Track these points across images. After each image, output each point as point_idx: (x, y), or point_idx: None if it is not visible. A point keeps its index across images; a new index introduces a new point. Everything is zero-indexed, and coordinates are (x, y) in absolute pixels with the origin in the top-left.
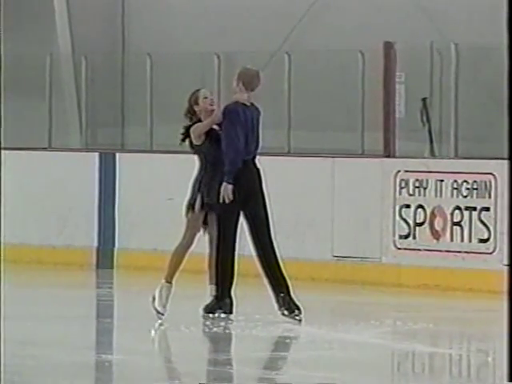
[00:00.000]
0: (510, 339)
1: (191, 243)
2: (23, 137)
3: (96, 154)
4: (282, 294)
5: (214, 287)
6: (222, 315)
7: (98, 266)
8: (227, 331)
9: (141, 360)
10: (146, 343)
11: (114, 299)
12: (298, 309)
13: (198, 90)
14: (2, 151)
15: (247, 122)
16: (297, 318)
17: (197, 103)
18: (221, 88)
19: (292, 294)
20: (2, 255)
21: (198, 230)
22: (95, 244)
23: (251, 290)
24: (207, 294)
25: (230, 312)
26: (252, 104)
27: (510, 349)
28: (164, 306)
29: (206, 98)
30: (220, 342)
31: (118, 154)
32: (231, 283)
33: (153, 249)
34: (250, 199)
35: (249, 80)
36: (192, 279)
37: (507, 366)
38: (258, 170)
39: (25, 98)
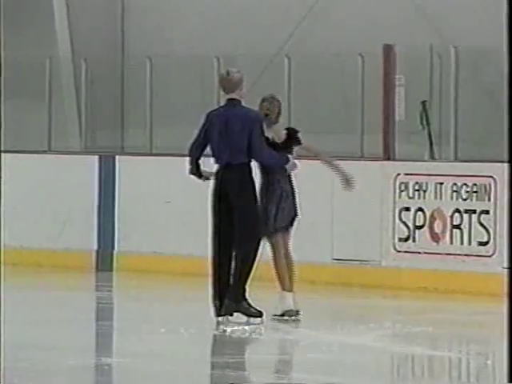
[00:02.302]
0: (510, 340)
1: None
2: (23, 140)
3: (96, 157)
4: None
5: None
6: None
7: (97, 269)
8: (227, 334)
9: (140, 363)
10: (145, 346)
11: (114, 302)
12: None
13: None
14: (2, 154)
15: (217, 126)
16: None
17: None
18: (220, 91)
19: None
20: (1, 258)
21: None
22: (95, 247)
23: (251, 293)
24: (206, 297)
25: (218, 315)
26: (242, 107)
27: (510, 349)
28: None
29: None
30: (219, 345)
31: (117, 157)
32: (218, 286)
33: (152, 252)
34: (232, 207)
35: (222, 84)
36: (193, 282)
37: (507, 367)
38: (236, 176)
39: (25, 101)
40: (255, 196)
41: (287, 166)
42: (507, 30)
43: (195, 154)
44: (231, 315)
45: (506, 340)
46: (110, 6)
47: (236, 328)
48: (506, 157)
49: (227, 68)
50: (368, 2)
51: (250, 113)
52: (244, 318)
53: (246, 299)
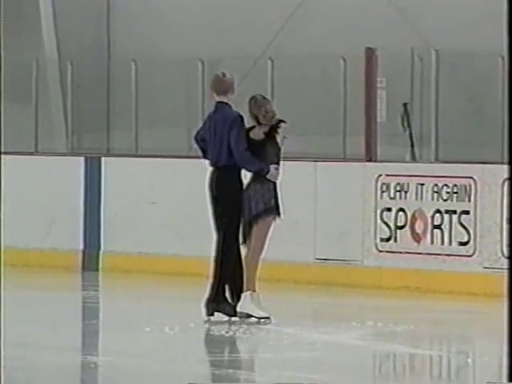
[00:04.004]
0: (510, 340)
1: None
2: (9, 141)
3: (82, 159)
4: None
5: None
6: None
7: (83, 269)
8: (210, 333)
9: (125, 361)
10: (130, 345)
11: (100, 301)
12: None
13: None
14: None
15: (207, 128)
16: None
17: None
18: (205, 93)
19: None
20: (1, 258)
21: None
22: (81, 247)
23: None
24: (191, 296)
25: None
26: (225, 110)
27: (509, 349)
28: (264, 311)
29: None
30: (203, 344)
31: (103, 159)
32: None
33: (138, 252)
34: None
35: (215, 85)
36: (178, 282)
37: (507, 366)
38: (218, 179)
39: (11, 102)
40: (235, 200)
41: (268, 176)
42: (507, 31)
43: (199, 143)
44: (212, 315)
45: (507, 340)
46: (96, 9)
47: (219, 327)
48: (485, 158)
49: (221, 71)
50: (350, 6)
51: (230, 115)
52: (226, 318)
53: (225, 299)
